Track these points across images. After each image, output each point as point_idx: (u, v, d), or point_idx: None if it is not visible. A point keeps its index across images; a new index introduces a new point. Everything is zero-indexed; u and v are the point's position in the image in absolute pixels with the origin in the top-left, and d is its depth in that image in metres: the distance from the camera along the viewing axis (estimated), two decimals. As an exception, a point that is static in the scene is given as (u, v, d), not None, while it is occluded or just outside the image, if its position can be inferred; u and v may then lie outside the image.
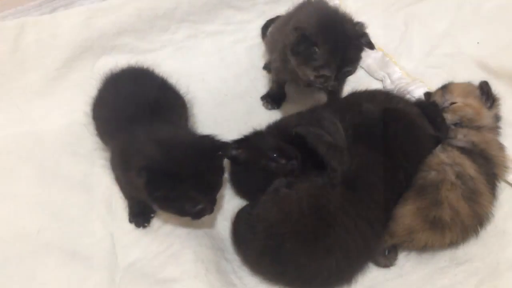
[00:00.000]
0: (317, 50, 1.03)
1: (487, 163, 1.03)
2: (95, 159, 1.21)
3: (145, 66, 1.22)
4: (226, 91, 1.44)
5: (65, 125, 1.29)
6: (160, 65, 1.45)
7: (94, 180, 1.17)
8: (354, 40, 1.06)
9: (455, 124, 1.09)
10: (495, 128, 1.12)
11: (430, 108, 1.13)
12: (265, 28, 1.55)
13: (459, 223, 0.95)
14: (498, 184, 1.04)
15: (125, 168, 0.94)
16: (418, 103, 1.17)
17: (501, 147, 1.08)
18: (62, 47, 1.37)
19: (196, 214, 0.93)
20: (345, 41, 1.04)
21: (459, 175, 0.97)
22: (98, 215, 1.11)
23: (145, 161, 0.87)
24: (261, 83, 1.46)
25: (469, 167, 0.99)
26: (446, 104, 1.11)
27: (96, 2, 1.44)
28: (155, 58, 1.47)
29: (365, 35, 1.07)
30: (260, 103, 1.40)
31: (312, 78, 1.08)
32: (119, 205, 1.11)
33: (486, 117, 1.11)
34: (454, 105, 1.11)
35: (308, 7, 1.17)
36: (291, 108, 1.38)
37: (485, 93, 1.13)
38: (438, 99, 1.15)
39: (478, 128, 1.09)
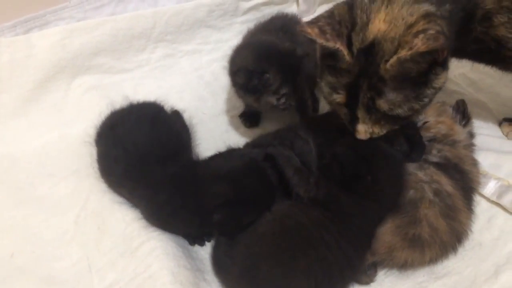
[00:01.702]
0: (268, 76, 1.09)
1: (462, 177, 1.04)
2: (70, 180, 1.18)
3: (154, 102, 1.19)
4: (204, 109, 1.44)
5: (40, 146, 1.27)
6: (137, 85, 1.46)
7: (69, 202, 1.14)
8: (292, 51, 1.14)
9: (430, 140, 1.10)
10: (469, 145, 1.13)
11: (410, 127, 1.12)
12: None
13: (438, 241, 0.95)
14: (474, 198, 1.06)
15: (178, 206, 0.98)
16: None
17: (474, 163, 1.09)
18: (36, 68, 1.36)
19: None
20: (287, 56, 1.13)
21: (436, 193, 0.98)
22: (73, 238, 1.08)
23: (219, 198, 0.93)
24: (239, 101, 1.45)
25: (446, 184, 1.00)
26: (419, 124, 1.12)
27: (71, 23, 1.43)
28: (131, 78, 1.48)
29: (296, 48, 1.16)
30: (238, 121, 1.40)
31: (275, 103, 1.13)
32: (94, 226, 1.09)
33: (460, 133, 1.12)
34: (427, 123, 1.12)
35: (241, 50, 1.23)
36: (269, 125, 1.38)
37: (460, 112, 1.15)
38: None
39: (453, 144, 1.10)
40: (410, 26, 0.85)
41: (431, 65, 0.86)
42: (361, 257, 0.96)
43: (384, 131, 0.97)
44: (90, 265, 1.03)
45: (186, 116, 1.26)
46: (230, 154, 1.09)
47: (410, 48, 0.81)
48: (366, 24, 0.89)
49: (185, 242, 1.07)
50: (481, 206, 1.10)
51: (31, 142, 1.28)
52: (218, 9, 1.58)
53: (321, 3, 1.71)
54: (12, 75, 1.35)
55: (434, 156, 1.05)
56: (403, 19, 0.87)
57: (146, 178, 1.00)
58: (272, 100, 1.13)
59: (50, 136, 1.25)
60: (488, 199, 1.12)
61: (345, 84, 0.92)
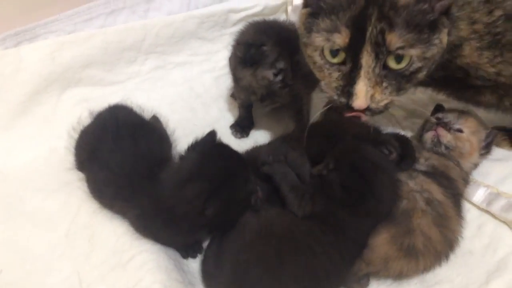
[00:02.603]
0: (265, 48, 1.10)
1: (450, 183, 1.05)
2: (60, 194, 1.18)
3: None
4: (195, 120, 1.44)
5: (29, 160, 1.26)
6: (128, 97, 1.45)
7: (60, 216, 1.13)
8: (292, 30, 1.17)
9: (447, 148, 1.10)
10: (466, 174, 1.13)
11: (403, 140, 1.12)
12: (231, 57, 1.57)
13: (432, 250, 0.96)
14: (462, 204, 1.07)
15: (168, 221, 0.97)
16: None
17: (459, 174, 1.10)
18: (26, 81, 1.35)
19: (256, 203, 0.98)
20: (285, 33, 1.17)
21: (428, 202, 0.98)
22: (63, 252, 1.07)
23: (200, 199, 0.90)
24: (230, 112, 1.47)
25: (437, 192, 1.01)
26: (455, 127, 1.12)
27: (61, 35, 1.43)
28: (122, 90, 1.48)
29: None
30: (229, 132, 1.40)
31: (271, 78, 1.12)
32: (85, 240, 1.08)
33: (473, 159, 1.13)
34: (461, 133, 1.11)
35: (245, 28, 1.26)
36: (260, 135, 1.39)
37: (489, 142, 1.14)
38: (450, 116, 1.14)
39: (443, 155, 1.11)
40: None
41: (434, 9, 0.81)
42: (350, 265, 0.96)
43: (384, 99, 0.87)
44: (81, 280, 1.01)
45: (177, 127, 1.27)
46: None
47: None
48: None
49: (176, 255, 1.06)
50: (471, 214, 1.10)
51: (20, 156, 1.28)
52: (208, 20, 1.59)
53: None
54: (1, 88, 1.34)
55: (421, 165, 1.06)
56: None
57: (137, 195, 0.99)
58: (269, 74, 1.13)
59: (40, 149, 1.25)
60: (477, 207, 1.13)
61: (348, 19, 0.81)
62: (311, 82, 1.40)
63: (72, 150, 1.14)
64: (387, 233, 0.95)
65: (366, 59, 0.82)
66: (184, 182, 0.94)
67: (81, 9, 1.46)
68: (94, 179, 1.07)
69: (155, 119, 1.24)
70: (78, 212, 1.13)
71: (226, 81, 1.53)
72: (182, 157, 1.01)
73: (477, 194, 1.14)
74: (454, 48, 0.94)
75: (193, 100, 1.50)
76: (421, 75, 0.88)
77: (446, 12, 0.83)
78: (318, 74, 0.94)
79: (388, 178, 0.96)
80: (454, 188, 1.05)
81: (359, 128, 1.12)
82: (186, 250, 1.07)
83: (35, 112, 1.37)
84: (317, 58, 0.89)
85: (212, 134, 1.03)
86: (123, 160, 1.02)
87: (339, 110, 0.93)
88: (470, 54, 0.95)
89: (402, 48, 0.80)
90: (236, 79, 1.26)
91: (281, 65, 1.13)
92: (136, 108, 1.19)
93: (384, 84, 0.85)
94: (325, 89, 0.92)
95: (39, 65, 1.37)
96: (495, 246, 1.06)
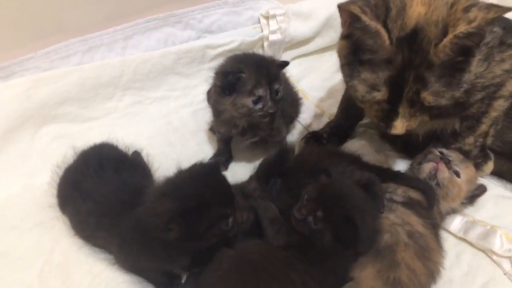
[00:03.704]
0: (243, 75, 1.12)
1: (427, 212, 1.06)
2: (34, 233, 1.14)
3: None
4: (173, 155, 1.43)
5: (3, 198, 1.23)
6: (105, 133, 1.44)
7: (33, 255, 1.10)
8: (270, 60, 1.22)
9: (430, 179, 1.11)
10: (441, 213, 1.13)
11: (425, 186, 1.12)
12: (210, 92, 1.58)
13: (417, 282, 0.95)
14: (440, 233, 1.08)
15: (145, 243, 0.94)
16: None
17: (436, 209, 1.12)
18: (0, 119, 1.33)
19: (231, 230, 0.93)
20: (263, 62, 1.19)
21: (410, 235, 0.99)
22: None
23: (166, 215, 0.87)
24: (208, 146, 1.47)
25: (417, 224, 1.01)
26: (455, 168, 1.12)
27: (37, 73, 1.42)
28: (99, 126, 1.47)
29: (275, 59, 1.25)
30: (207, 165, 1.40)
31: (250, 105, 1.14)
32: (59, 280, 1.04)
33: (453, 205, 1.14)
34: (456, 178, 1.11)
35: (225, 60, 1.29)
36: (239, 169, 1.39)
37: (476, 195, 1.15)
38: (453, 156, 1.15)
39: None
40: (452, 5, 0.86)
41: (468, 55, 0.88)
42: None
43: (416, 124, 0.96)
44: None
45: (155, 161, 1.26)
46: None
47: (470, 22, 0.81)
48: (403, 8, 0.88)
49: (154, 292, 1.04)
50: (449, 243, 1.11)
51: (-7, 195, 1.25)
52: (185, 56, 1.61)
53: (285, 50, 1.77)
54: (-25, 127, 1.32)
55: (398, 196, 1.07)
56: (442, 3, 0.87)
57: (117, 223, 0.99)
58: (248, 102, 1.14)
59: (14, 187, 1.22)
60: (455, 235, 1.14)
61: (387, 79, 0.89)
62: (290, 115, 1.43)
63: (55, 187, 1.14)
64: (373, 267, 0.95)
65: (403, 110, 0.93)
66: (159, 195, 0.93)
67: (58, 47, 1.46)
68: (77, 211, 1.06)
69: (136, 154, 1.25)
70: (53, 251, 1.10)
71: (204, 115, 1.54)
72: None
73: (454, 223, 1.15)
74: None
75: (171, 135, 1.50)
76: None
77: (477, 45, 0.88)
78: (360, 104, 1.01)
79: (372, 220, 0.97)
80: (431, 217, 1.06)
81: (338, 159, 1.15)
82: (165, 285, 1.05)
83: (10, 150, 1.34)
84: (360, 98, 0.96)
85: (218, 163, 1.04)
86: (106, 191, 1.04)
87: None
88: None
89: (435, 101, 0.89)
90: (216, 112, 1.27)
91: (259, 92, 1.14)
92: (119, 145, 1.21)
93: (418, 115, 0.95)
94: (366, 115, 1.03)
95: (14, 103, 1.35)
96: (474, 274, 1.07)
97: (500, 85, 1.11)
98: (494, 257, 1.09)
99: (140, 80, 1.55)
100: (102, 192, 1.04)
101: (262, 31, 1.73)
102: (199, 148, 1.46)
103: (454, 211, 1.16)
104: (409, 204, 1.05)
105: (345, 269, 0.96)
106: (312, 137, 1.41)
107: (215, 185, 0.94)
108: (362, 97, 0.95)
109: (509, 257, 1.07)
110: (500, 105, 1.15)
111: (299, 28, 1.75)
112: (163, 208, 0.89)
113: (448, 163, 1.12)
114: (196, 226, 0.89)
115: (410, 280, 0.94)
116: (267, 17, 1.72)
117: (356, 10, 0.87)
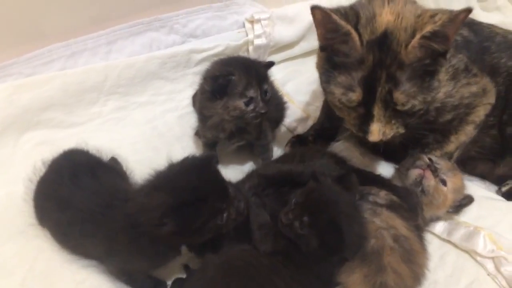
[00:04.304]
0: (234, 77, 1.12)
1: (410, 214, 1.07)
2: (17, 241, 1.12)
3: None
4: (159, 160, 1.40)
5: (-15, 206, 1.21)
6: (89, 138, 1.42)
7: (16, 264, 1.07)
8: (257, 62, 1.25)
9: (415, 185, 1.13)
10: (425, 219, 1.14)
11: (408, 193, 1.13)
12: (195, 96, 1.58)
13: (403, 286, 0.96)
14: (424, 235, 1.08)
15: (134, 241, 0.92)
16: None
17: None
18: (-18, 125, 1.32)
19: (226, 224, 0.92)
20: (251, 64, 1.21)
21: (395, 239, 0.99)
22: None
23: (160, 209, 0.85)
24: (194, 151, 1.46)
25: (401, 227, 1.02)
26: (442, 176, 1.13)
27: (20, 78, 1.41)
28: (83, 132, 1.46)
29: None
30: (193, 170, 1.39)
31: (243, 107, 1.15)
32: (42, 287, 1.03)
33: (437, 213, 1.15)
34: (443, 186, 1.12)
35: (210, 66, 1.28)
36: (225, 173, 1.36)
37: (462, 205, 1.16)
38: (442, 164, 1.16)
39: None
40: (419, 15, 0.94)
41: (436, 57, 0.95)
42: None
43: (393, 132, 1.01)
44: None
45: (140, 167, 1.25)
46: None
47: (435, 22, 0.89)
48: (373, 17, 0.95)
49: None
50: (433, 244, 1.12)
51: (-26, 203, 1.22)
52: (170, 61, 1.60)
53: (270, 54, 1.77)
54: (-44, 133, 1.30)
55: (380, 199, 1.08)
56: (410, 12, 0.95)
57: (102, 226, 0.96)
58: (240, 104, 1.14)
59: (-5, 195, 1.20)
60: (439, 237, 1.15)
61: (360, 79, 0.95)
62: (275, 119, 1.43)
63: (31, 203, 1.10)
64: (360, 272, 0.96)
65: (378, 111, 0.98)
66: (151, 189, 0.90)
67: (41, 52, 1.45)
68: (58, 223, 1.04)
69: (113, 161, 1.23)
70: (36, 259, 1.08)
71: (189, 120, 1.54)
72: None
73: (438, 225, 1.17)
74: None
75: (156, 140, 1.49)
76: (423, 112, 1.03)
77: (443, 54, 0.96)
78: (338, 112, 1.07)
79: (359, 227, 0.97)
80: (415, 220, 1.07)
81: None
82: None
83: (-9, 156, 1.33)
84: (337, 102, 1.02)
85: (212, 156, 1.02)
86: (84, 196, 1.00)
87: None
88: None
89: (407, 102, 0.95)
90: (203, 118, 1.27)
91: (250, 93, 1.14)
92: (92, 151, 1.17)
93: (393, 122, 1.00)
94: (346, 124, 1.08)
95: (-4, 109, 1.34)
96: (458, 275, 1.09)
97: (471, 108, 1.19)
98: (478, 258, 1.10)
99: (124, 85, 1.54)
100: (81, 199, 1.00)
101: (247, 36, 1.73)
102: (184, 153, 1.40)
103: (438, 218, 1.17)
104: (392, 206, 1.06)
105: (331, 274, 0.96)
106: (297, 141, 1.42)
107: (210, 178, 0.92)
108: (339, 100, 1.00)
109: (492, 258, 1.09)
110: (470, 131, 1.22)
111: (284, 32, 1.76)
112: (156, 202, 0.86)
113: (435, 171, 1.12)
114: (191, 221, 0.87)
115: (396, 284, 0.95)
116: (252, 22, 1.72)
117: (327, 9, 0.93)
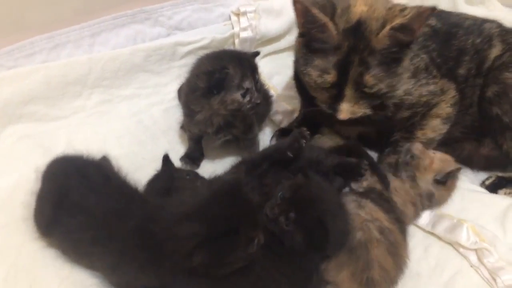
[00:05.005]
0: (229, 70, 1.12)
1: (391, 205, 1.09)
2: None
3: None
4: (144, 154, 1.41)
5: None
6: (72, 132, 1.42)
7: None
8: (246, 53, 1.26)
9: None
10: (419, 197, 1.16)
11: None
12: (181, 90, 1.57)
13: (387, 279, 0.97)
14: (406, 229, 1.09)
15: (151, 262, 0.89)
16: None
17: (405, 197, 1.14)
18: (-37, 119, 1.30)
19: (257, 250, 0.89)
20: (242, 55, 1.22)
21: (381, 231, 1.00)
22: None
23: (191, 240, 0.82)
24: (179, 144, 1.45)
25: (384, 219, 1.03)
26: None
27: (1, 71, 1.39)
28: (67, 125, 1.45)
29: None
30: (179, 164, 1.38)
31: (240, 99, 1.15)
32: (25, 284, 1.01)
33: (428, 177, 1.16)
34: (429, 151, 1.21)
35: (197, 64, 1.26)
36: (211, 166, 1.38)
37: (448, 176, 1.16)
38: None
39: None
40: (390, 8, 1.04)
41: (402, 47, 1.04)
42: None
43: (360, 113, 1.10)
44: None
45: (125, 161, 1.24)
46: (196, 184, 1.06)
47: (404, 16, 0.98)
48: (347, 8, 1.05)
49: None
50: (417, 237, 1.14)
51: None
52: (155, 54, 1.59)
53: (257, 47, 1.76)
54: None
55: (360, 188, 1.10)
56: (382, 4, 1.05)
57: (114, 238, 0.93)
58: (237, 96, 1.14)
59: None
60: (423, 229, 1.17)
61: (335, 63, 1.04)
62: (261, 112, 1.43)
63: (33, 217, 1.07)
64: (347, 270, 0.96)
65: (349, 91, 1.07)
66: (182, 218, 0.86)
67: (22, 44, 1.43)
68: (67, 231, 0.99)
69: (105, 160, 1.20)
70: (19, 254, 1.07)
71: (175, 113, 1.53)
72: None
73: (423, 217, 1.17)
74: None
75: (141, 133, 1.48)
76: (390, 96, 1.12)
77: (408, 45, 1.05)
78: (312, 92, 1.15)
79: (343, 225, 0.98)
80: (395, 211, 1.08)
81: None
82: None
83: (-27, 150, 1.31)
84: (312, 83, 1.10)
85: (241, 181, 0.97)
86: (98, 199, 0.97)
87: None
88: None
89: (375, 84, 1.04)
90: (191, 113, 1.25)
91: (246, 84, 1.15)
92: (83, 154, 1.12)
93: (361, 102, 1.09)
94: (318, 102, 1.15)
95: (-24, 102, 1.31)
96: (442, 267, 1.10)
97: (430, 106, 1.25)
98: (461, 250, 1.12)
99: (108, 78, 1.52)
100: (94, 201, 0.96)
101: (233, 28, 1.72)
102: (170, 147, 1.44)
103: (428, 197, 1.16)
104: (369, 194, 1.09)
105: (314, 268, 0.96)
106: (282, 134, 1.42)
107: (241, 206, 0.88)
108: (314, 82, 1.09)
109: (475, 250, 1.10)
110: (437, 126, 1.28)
111: (270, 25, 1.75)
112: (187, 232, 0.83)
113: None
114: (224, 253, 0.85)
115: (381, 278, 0.96)
116: (237, 14, 1.71)
117: (307, 2, 1.02)
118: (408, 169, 1.17)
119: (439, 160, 1.17)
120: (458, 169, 1.17)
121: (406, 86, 1.17)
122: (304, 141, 1.13)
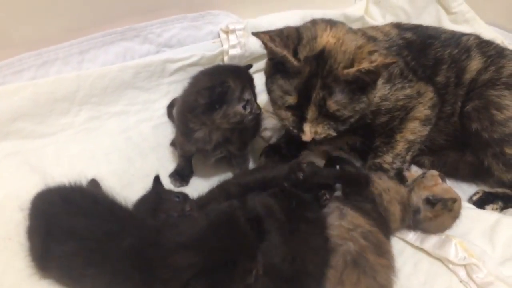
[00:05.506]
0: (229, 84, 1.14)
1: (370, 208, 1.10)
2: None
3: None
4: (133, 171, 1.40)
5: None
6: (60, 149, 1.40)
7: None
8: (240, 66, 1.29)
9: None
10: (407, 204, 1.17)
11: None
12: (170, 106, 1.57)
13: (388, 277, 0.98)
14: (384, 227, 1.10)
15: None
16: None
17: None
18: (-50, 136, 1.28)
19: (255, 282, 0.87)
20: (237, 68, 1.26)
21: (364, 236, 1.01)
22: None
23: (188, 271, 0.82)
24: (169, 161, 1.45)
25: (364, 223, 1.05)
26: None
27: (-12, 89, 1.37)
28: (54, 142, 1.44)
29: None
30: (168, 181, 1.38)
31: (242, 111, 1.16)
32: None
33: (418, 196, 1.17)
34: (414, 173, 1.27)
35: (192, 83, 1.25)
36: (200, 183, 1.37)
37: (442, 199, 1.14)
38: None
39: None
40: (360, 47, 1.09)
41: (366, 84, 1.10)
42: None
43: (324, 134, 1.14)
44: None
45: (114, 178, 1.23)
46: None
47: (371, 62, 1.04)
48: (314, 38, 1.11)
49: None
50: (406, 252, 1.14)
51: None
52: (144, 70, 1.59)
53: (247, 63, 1.77)
54: None
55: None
56: (351, 40, 1.11)
57: (106, 259, 0.92)
58: (239, 108, 1.15)
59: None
60: (412, 245, 1.17)
61: (296, 85, 1.09)
62: (253, 129, 1.43)
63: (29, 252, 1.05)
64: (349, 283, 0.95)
65: (311, 114, 1.11)
66: (179, 247, 0.85)
67: (10, 61, 1.42)
68: (59, 258, 0.97)
69: (94, 183, 1.19)
70: (4, 273, 1.06)
71: (164, 130, 1.53)
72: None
73: (411, 233, 1.18)
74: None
75: (130, 150, 1.47)
76: (353, 120, 1.15)
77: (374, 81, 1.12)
78: (276, 112, 1.20)
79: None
80: (375, 210, 1.10)
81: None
82: None
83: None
84: (277, 103, 1.16)
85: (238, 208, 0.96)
86: (87, 223, 0.96)
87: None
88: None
89: (338, 110, 1.09)
90: (188, 131, 1.24)
91: (246, 95, 1.16)
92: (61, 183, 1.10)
93: (324, 123, 1.13)
94: (284, 122, 1.19)
95: (-37, 119, 1.30)
96: (432, 283, 1.10)
97: (407, 109, 1.28)
98: (450, 266, 1.12)
99: (97, 95, 1.52)
100: (85, 225, 0.95)
101: (222, 46, 1.73)
102: (159, 163, 1.44)
103: (415, 214, 1.15)
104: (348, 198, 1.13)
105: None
106: (271, 150, 1.43)
107: (239, 236, 0.88)
108: (276, 101, 1.15)
109: (464, 265, 1.10)
110: (416, 128, 1.30)
111: (258, 43, 1.76)
112: (183, 262, 0.83)
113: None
114: (220, 284, 0.83)
115: (385, 280, 0.97)
116: (226, 32, 1.73)
117: (264, 38, 1.10)
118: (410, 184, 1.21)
119: (442, 187, 1.19)
120: (453, 200, 1.16)
121: (382, 92, 1.22)
122: (302, 174, 1.11)
